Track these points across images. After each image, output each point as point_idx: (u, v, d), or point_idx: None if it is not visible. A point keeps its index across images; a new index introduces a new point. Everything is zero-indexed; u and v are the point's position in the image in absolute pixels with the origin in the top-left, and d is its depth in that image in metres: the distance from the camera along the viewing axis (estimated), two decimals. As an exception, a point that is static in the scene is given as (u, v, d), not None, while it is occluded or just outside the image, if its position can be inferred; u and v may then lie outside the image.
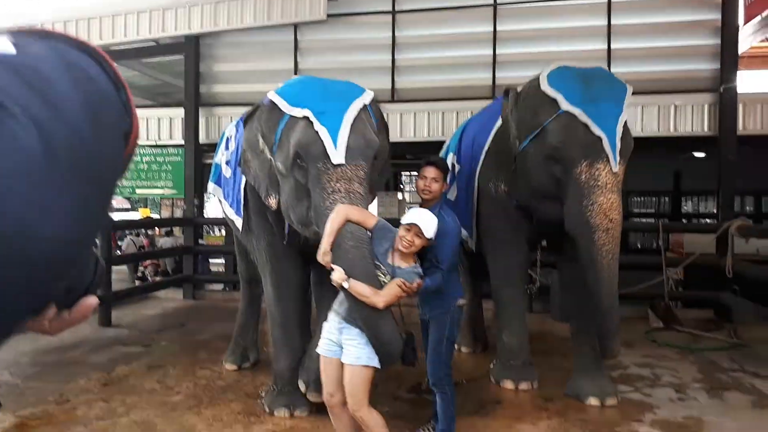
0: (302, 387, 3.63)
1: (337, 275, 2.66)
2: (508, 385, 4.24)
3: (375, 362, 2.72)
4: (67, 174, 0.45)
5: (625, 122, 3.56)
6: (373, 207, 4.50)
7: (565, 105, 3.55)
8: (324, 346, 2.87)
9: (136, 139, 0.55)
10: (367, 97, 3.25)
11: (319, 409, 3.65)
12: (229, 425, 3.54)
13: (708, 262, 6.72)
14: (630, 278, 6.88)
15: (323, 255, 2.71)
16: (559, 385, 4.21)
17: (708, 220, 12.14)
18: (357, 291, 2.63)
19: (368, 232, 2.80)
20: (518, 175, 3.93)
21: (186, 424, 3.55)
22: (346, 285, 2.64)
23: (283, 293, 3.77)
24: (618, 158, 3.46)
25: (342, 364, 2.78)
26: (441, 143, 7.46)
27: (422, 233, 2.81)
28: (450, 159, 4.82)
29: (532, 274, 5.75)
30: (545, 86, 3.70)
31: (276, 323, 3.81)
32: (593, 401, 3.89)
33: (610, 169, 3.45)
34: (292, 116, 3.18)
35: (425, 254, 3.03)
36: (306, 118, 3.11)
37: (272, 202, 3.40)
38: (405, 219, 2.88)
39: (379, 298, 2.63)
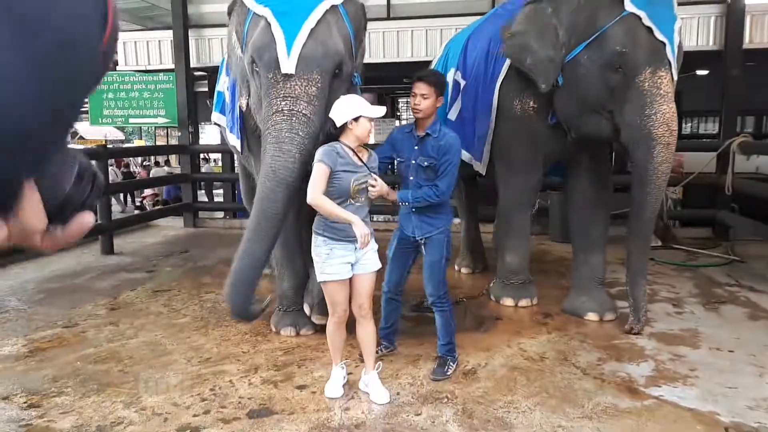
0: (307, 310, 3.68)
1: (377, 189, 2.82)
2: (508, 302, 4.31)
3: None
4: (20, 32, 0.38)
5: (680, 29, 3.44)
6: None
7: (629, 6, 3.38)
8: (345, 271, 2.81)
9: (114, 30, 0.47)
10: None
11: (325, 328, 3.72)
12: (237, 344, 3.62)
13: (707, 181, 6.72)
14: (628, 198, 6.92)
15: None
16: (558, 302, 4.29)
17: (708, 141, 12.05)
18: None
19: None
20: (564, 88, 3.70)
21: (194, 344, 3.63)
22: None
23: None
24: (675, 67, 3.37)
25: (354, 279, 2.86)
26: (440, 63, 7.27)
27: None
28: (451, 75, 4.54)
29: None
30: None
31: (277, 245, 3.80)
32: (592, 316, 3.96)
33: (672, 77, 3.37)
34: (255, 13, 2.98)
35: (429, 170, 3.01)
36: (265, 18, 2.90)
37: (242, 102, 3.28)
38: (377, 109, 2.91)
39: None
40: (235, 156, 4.54)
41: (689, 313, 4.10)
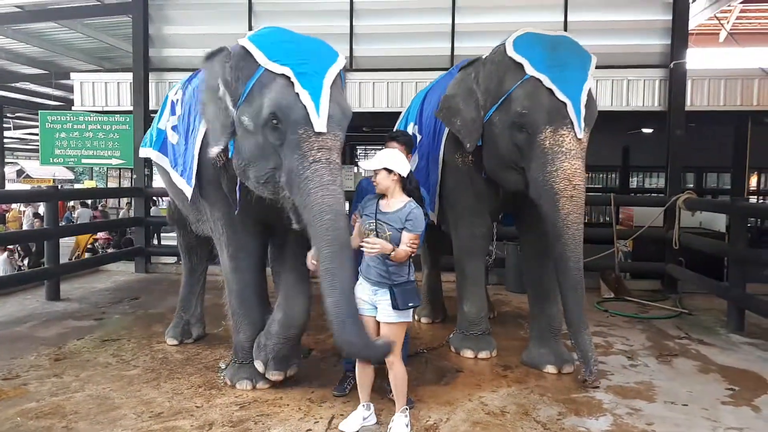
0: (260, 368, 3.56)
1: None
2: (468, 354, 4.30)
3: (408, 317, 3.07)
4: None
5: (590, 90, 3.60)
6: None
7: (530, 70, 3.58)
8: (362, 308, 3.02)
9: None
10: (341, 62, 3.16)
11: (281, 384, 3.62)
12: (190, 398, 3.47)
13: (656, 235, 6.98)
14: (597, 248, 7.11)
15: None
16: (517, 353, 4.31)
17: (654, 195, 12.59)
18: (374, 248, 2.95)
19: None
20: (484, 146, 3.94)
21: (145, 398, 3.46)
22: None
23: (241, 263, 3.68)
24: (583, 124, 3.50)
25: (377, 322, 3.05)
26: (399, 114, 7.44)
27: (388, 167, 3.03)
28: (410, 129, 4.79)
29: (489, 247, 5.82)
30: (511, 51, 3.71)
31: (233, 294, 3.72)
32: (550, 369, 3.99)
33: (575, 135, 3.49)
34: (267, 70, 3.04)
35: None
36: (285, 76, 2.99)
37: (214, 151, 3.25)
38: (369, 165, 3.11)
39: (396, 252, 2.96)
40: (174, 200, 4.43)
41: (643, 366, 4.18)
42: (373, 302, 3.05)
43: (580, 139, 3.50)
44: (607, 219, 8.30)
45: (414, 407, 3.30)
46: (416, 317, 5.34)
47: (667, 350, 4.55)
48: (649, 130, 10.73)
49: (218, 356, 4.22)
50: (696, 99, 7.18)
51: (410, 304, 3.01)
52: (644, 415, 3.32)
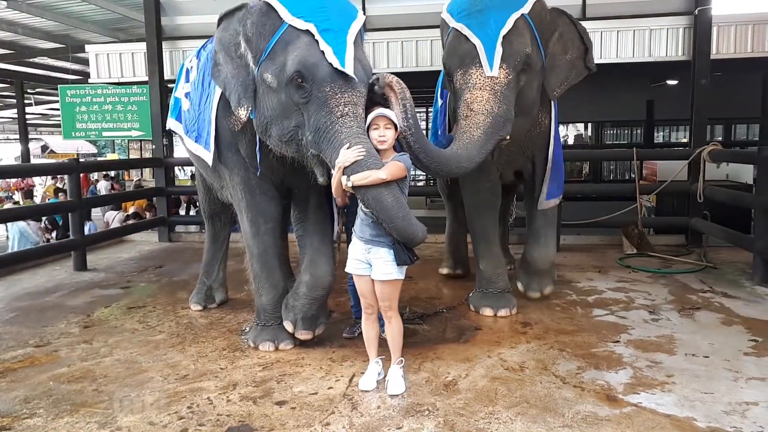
0: (289, 327, 3.62)
1: (343, 181, 2.88)
2: (488, 312, 4.31)
3: (401, 274, 3.05)
4: None
5: (518, 28, 3.65)
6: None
7: (452, 23, 3.79)
8: (354, 267, 3.12)
9: None
10: (362, 18, 3.17)
11: (303, 342, 3.69)
12: (214, 360, 3.56)
13: (680, 189, 6.85)
14: (604, 208, 7.03)
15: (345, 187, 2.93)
16: (536, 311, 4.32)
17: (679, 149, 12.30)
18: (360, 179, 2.84)
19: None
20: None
21: (170, 362, 3.56)
22: (349, 183, 2.86)
23: (261, 227, 3.72)
24: (496, 63, 3.57)
25: (372, 280, 3.06)
26: (416, 74, 7.34)
27: (391, 120, 2.98)
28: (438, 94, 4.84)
29: (510, 207, 5.78)
30: (444, 13, 3.93)
31: (255, 257, 3.77)
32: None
33: (483, 72, 3.59)
34: (291, 26, 3.05)
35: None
36: (308, 32, 3.00)
37: (242, 113, 3.28)
38: (369, 116, 3.00)
39: (380, 172, 2.84)
40: (196, 166, 4.45)
41: (665, 319, 4.15)
42: (368, 260, 3.06)
43: (490, 76, 3.57)
44: (632, 175, 8.15)
45: (431, 363, 3.34)
46: (439, 270, 5.49)
47: (690, 304, 4.50)
48: (674, 82, 10.43)
49: (241, 320, 4.30)
50: (722, 46, 6.93)
51: (414, 258, 3.03)
52: (664, 367, 3.31)
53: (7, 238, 9.03)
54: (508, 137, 3.66)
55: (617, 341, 3.73)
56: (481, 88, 3.57)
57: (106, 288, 5.40)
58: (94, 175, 15.68)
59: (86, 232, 7.16)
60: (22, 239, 8.66)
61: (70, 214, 6.41)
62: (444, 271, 5.45)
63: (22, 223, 8.78)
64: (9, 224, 8.87)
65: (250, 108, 3.28)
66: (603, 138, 13.10)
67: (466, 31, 3.65)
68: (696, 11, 6.67)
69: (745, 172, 7.84)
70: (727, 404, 2.86)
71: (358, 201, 3.02)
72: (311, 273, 3.61)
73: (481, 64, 3.57)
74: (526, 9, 3.69)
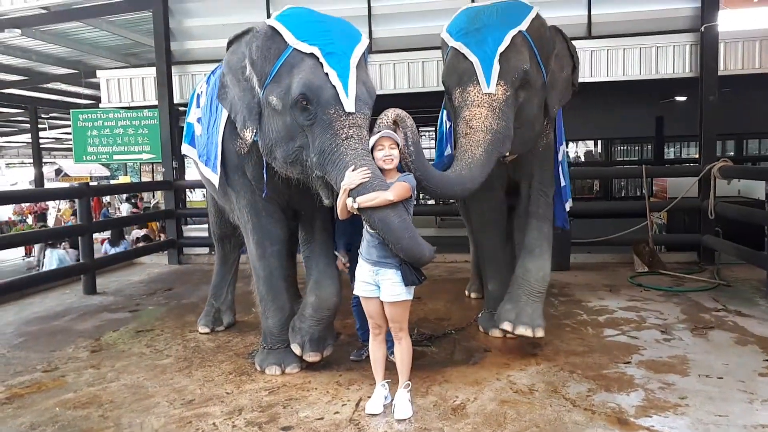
0: (297, 350, 3.61)
1: (349, 203, 2.89)
2: (497, 333, 4.25)
3: (410, 295, 3.04)
4: None
5: (516, 45, 3.63)
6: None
7: (450, 41, 3.80)
8: (362, 289, 3.11)
9: None
10: (365, 42, 3.22)
11: (310, 365, 3.66)
12: (221, 385, 3.53)
13: (691, 206, 6.78)
14: (615, 225, 6.97)
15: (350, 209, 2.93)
16: (548, 332, 4.24)
17: (688, 165, 12.21)
18: (367, 201, 2.85)
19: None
20: None
21: (177, 386, 3.54)
22: (355, 205, 2.87)
23: (267, 250, 3.72)
24: (494, 80, 3.55)
25: (381, 302, 3.06)
26: (422, 95, 7.36)
27: (396, 141, 2.99)
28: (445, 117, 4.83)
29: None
30: (444, 33, 3.93)
31: (261, 280, 3.77)
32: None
33: (480, 89, 3.58)
34: (296, 50, 3.10)
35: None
36: (313, 55, 3.05)
37: (247, 135, 3.32)
38: (373, 138, 3.01)
39: (387, 193, 2.85)
40: (208, 189, 4.50)
41: (677, 339, 4.08)
42: (376, 282, 3.05)
43: (488, 93, 3.56)
44: (643, 192, 8.06)
45: (438, 387, 3.29)
46: (466, 293, 5.49)
47: (703, 323, 4.43)
48: (683, 98, 10.39)
49: (248, 343, 4.28)
50: (730, 63, 6.89)
51: (422, 278, 3.02)
52: (677, 389, 3.24)
53: (38, 262, 9.12)
54: (507, 154, 3.65)
55: (629, 362, 3.67)
56: (479, 105, 3.56)
57: (115, 311, 5.40)
58: (115, 197, 16.00)
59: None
60: (60, 267, 8.76)
61: (80, 238, 6.45)
62: (473, 295, 5.41)
63: (61, 251, 8.97)
64: (48, 251, 9.18)
65: (255, 130, 3.31)
66: (613, 155, 13.07)
67: (464, 50, 3.67)
68: (702, 28, 6.66)
69: (758, 188, 7.75)
70: (742, 427, 2.79)
71: (364, 222, 3.02)
72: (316, 294, 3.61)
73: (479, 81, 3.58)
74: (524, 26, 3.70)
